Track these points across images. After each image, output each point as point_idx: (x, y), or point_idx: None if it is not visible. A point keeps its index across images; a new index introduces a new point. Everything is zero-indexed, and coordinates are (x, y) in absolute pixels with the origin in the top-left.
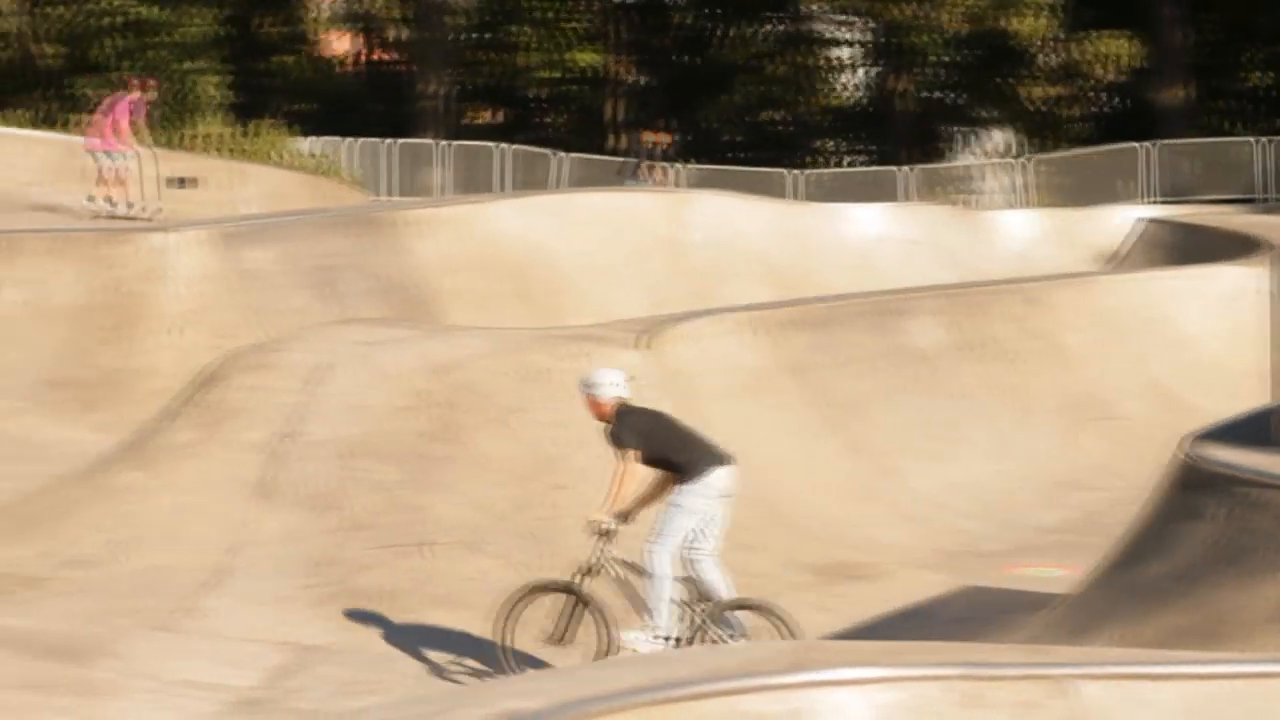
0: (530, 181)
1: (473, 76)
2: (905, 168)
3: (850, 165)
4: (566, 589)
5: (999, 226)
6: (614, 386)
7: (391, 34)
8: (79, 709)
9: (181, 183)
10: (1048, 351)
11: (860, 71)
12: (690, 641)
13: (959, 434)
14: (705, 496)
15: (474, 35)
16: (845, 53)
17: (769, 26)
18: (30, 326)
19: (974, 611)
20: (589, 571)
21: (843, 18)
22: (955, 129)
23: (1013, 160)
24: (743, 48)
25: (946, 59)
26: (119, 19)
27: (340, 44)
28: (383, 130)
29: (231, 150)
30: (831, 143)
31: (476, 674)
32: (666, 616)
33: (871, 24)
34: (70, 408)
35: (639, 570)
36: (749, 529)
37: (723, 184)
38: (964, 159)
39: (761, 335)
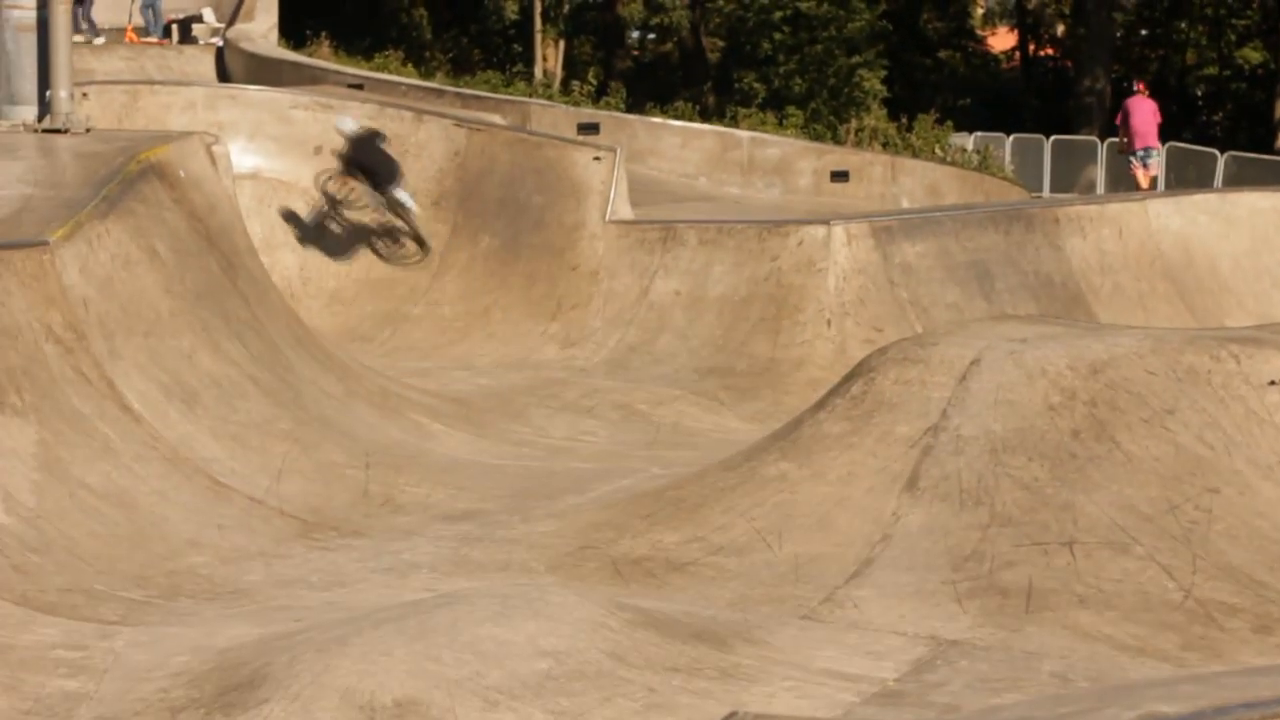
0: (1187, 180)
1: (1136, 73)
2: None
3: None
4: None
5: None
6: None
7: (1060, 29)
8: (719, 693)
9: (840, 176)
10: None
11: None
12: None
13: None
14: None
15: (1140, 32)
16: None
17: None
18: (685, 316)
19: None
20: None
21: None
22: None
23: None
24: None
25: None
26: (782, 13)
27: (1002, 41)
28: (1040, 126)
29: (890, 145)
30: None
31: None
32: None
33: None
34: (722, 396)
35: None
36: None
37: None
38: None
39: None
